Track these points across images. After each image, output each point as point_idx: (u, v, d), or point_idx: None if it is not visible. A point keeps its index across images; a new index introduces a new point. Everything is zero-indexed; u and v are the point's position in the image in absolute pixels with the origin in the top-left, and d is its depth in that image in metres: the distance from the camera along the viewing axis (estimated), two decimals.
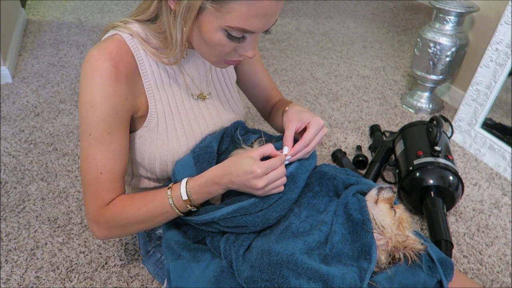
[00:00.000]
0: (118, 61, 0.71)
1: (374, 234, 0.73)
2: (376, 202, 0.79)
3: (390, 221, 0.76)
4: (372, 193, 0.80)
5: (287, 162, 0.79)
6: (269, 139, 0.93)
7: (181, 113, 0.83)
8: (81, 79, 0.71)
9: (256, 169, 0.69)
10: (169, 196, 0.74)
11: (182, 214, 0.77)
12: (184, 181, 0.75)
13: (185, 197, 0.74)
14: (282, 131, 0.90)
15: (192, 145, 0.84)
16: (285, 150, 0.78)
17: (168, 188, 0.75)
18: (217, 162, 0.84)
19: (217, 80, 0.92)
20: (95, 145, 0.72)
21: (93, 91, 0.70)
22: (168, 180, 0.88)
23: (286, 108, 0.89)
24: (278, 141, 0.86)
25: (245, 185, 0.71)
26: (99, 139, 0.72)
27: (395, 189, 0.79)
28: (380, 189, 0.80)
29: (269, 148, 0.74)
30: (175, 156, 0.82)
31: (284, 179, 0.75)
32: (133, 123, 0.80)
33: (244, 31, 0.66)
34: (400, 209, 0.79)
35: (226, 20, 0.64)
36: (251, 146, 0.89)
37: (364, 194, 0.81)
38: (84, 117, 0.72)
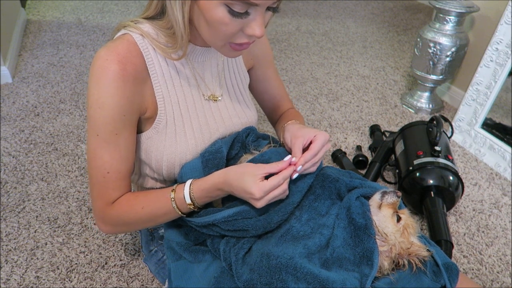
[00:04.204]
0: (126, 63, 0.70)
1: (377, 240, 0.72)
2: (379, 207, 0.76)
3: (392, 227, 0.74)
4: (376, 197, 0.78)
5: (297, 175, 0.75)
6: (278, 145, 0.92)
7: (191, 115, 0.82)
8: (89, 79, 0.71)
9: (254, 192, 0.67)
10: (173, 199, 0.75)
11: (184, 215, 0.78)
12: (188, 184, 0.75)
13: (188, 201, 0.75)
14: (282, 144, 0.88)
15: (200, 148, 0.83)
16: (294, 159, 0.75)
17: (172, 191, 0.75)
18: (226, 167, 0.83)
19: (230, 82, 0.90)
20: (103, 145, 0.73)
21: (100, 92, 0.70)
22: (174, 182, 0.87)
23: (284, 125, 0.87)
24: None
25: (244, 199, 0.72)
26: (107, 139, 0.73)
27: (400, 194, 0.77)
28: (384, 194, 0.77)
29: (276, 167, 0.71)
30: (182, 159, 0.81)
31: (286, 193, 0.73)
32: (141, 124, 0.80)
33: (245, 2, 0.61)
34: (405, 214, 0.77)
35: None
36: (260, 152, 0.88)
37: (368, 197, 0.79)
38: (91, 117, 0.72)
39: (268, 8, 0.67)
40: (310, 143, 0.77)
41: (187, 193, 0.74)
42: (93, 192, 0.77)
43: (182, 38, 0.70)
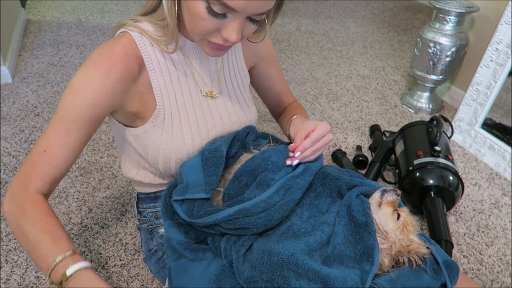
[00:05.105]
0: (119, 61, 0.72)
1: (377, 237, 0.72)
2: (379, 205, 0.77)
3: (393, 225, 0.75)
4: (376, 196, 0.79)
5: (297, 161, 0.78)
6: (278, 143, 0.93)
7: (188, 111, 0.83)
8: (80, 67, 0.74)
9: None
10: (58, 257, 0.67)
11: (48, 277, 0.67)
12: (84, 263, 0.68)
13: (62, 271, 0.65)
14: (289, 136, 0.91)
15: (197, 144, 0.84)
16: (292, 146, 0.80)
17: (68, 251, 0.69)
18: (226, 166, 0.83)
19: (229, 80, 0.91)
20: (56, 125, 0.73)
21: (80, 78, 0.72)
22: (172, 178, 0.88)
23: (291, 119, 0.90)
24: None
25: None
26: (62, 121, 0.72)
27: (399, 192, 0.78)
28: (384, 192, 0.78)
29: None
30: (178, 154, 0.82)
31: None
32: (135, 120, 0.81)
33: (224, 5, 0.63)
34: (405, 212, 0.78)
35: None
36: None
37: (367, 196, 0.80)
38: (63, 96, 0.73)
39: (250, 20, 0.68)
40: None
41: (74, 266, 0.65)
42: (22, 165, 0.74)
43: (173, 27, 0.71)
